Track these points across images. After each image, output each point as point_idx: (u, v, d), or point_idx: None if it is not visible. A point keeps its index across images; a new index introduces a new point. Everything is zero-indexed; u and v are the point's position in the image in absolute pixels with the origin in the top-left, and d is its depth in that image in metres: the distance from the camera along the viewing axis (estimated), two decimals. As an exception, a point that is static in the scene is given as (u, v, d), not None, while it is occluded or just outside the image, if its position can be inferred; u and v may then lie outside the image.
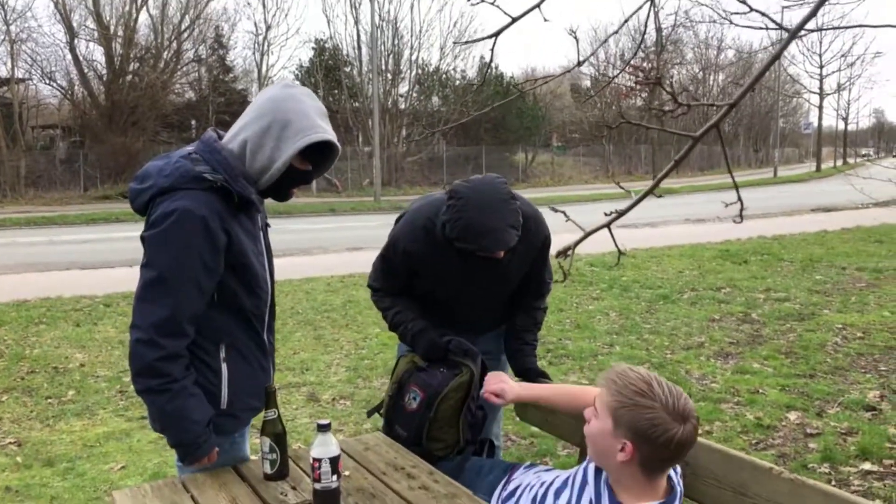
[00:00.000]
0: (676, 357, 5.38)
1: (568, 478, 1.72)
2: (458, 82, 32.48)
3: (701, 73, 45.52)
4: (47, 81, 27.78)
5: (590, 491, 1.61)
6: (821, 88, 42.20)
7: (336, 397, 4.69)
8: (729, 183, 2.14)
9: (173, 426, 1.81)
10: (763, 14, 2.08)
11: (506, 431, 3.84)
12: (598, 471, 1.63)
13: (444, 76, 32.50)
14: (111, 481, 3.48)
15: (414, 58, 30.96)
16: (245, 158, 1.85)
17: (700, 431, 1.58)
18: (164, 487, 1.82)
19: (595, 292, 7.87)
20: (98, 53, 28.96)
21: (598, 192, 25.78)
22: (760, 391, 4.53)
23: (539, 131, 36.46)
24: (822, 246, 10.89)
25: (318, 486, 1.66)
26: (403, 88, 31.55)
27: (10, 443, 4.03)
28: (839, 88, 46.58)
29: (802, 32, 1.89)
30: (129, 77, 27.47)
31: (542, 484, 1.78)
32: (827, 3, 2.00)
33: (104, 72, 27.49)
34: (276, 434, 1.84)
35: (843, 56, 49.72)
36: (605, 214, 2.03)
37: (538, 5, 2.22)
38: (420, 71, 31.46)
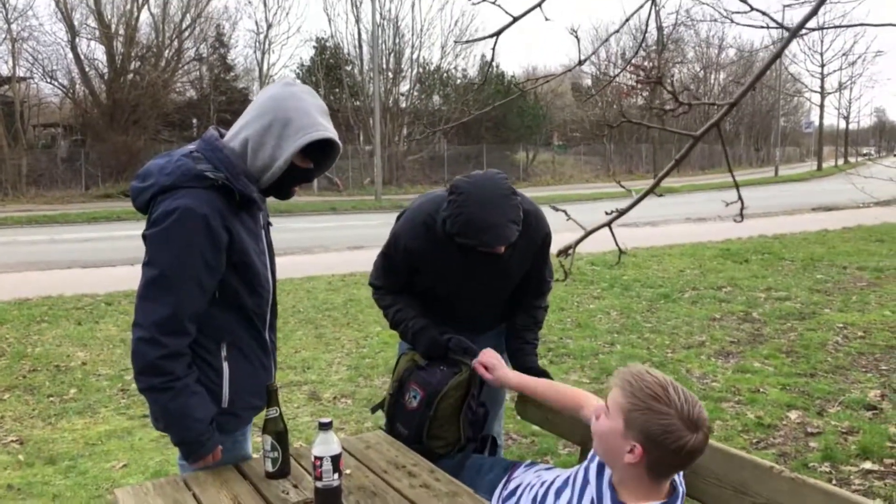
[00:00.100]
0: (677, 356, 5.38)
1: (569, 477, 1.71)
2: (459, 81, 32.44)
3: (702, 71, 45.54)
4: (49, 80, 27.86)
5: (591, 491, 1.60)
6: (822, 87, 42.16)
7: (337, 396, 4.69)
8: (730, 182, 2.13)
9: (176, 424, 1.82)
10: (764, 13, 2.08)
11: (507, 430, 3.84)
12: (599, 470, 1.62)
13: (445, 75, 32.48)
14: (113, 479, 3.48)
15: (415, 56, 31.00)
16: (246, 157, 1.85)
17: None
18: (166, 485, 1.83)
19: (596, 291, 7.87)
20: (99, 52, 28.98)
21: (598, 191, 25.79)
22: (761, 390, 4.53)
23: (540, 130, 36.43)
24: (823, 245, 10.88)
25: (319, 484, 1.67)
26: (404, 87, 31.58)
27: (13, 441, 4.03)
28: (840, 87, 46.65)
29: (803, 31, 1.89)
30: (131, 76, 27.47)
31: (542, 483, 1.78)
32: (828, 2, 2.00)
33: (105, 70, 27.51)
34: (278, 432, 1.84)
35: (844, 55, 49.58)
36: (606, 213, 2.03)
37: (539, 4, 2.22)
38: (421, 70, 31.46)
